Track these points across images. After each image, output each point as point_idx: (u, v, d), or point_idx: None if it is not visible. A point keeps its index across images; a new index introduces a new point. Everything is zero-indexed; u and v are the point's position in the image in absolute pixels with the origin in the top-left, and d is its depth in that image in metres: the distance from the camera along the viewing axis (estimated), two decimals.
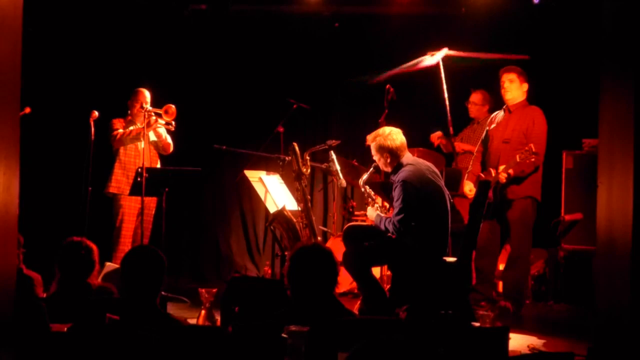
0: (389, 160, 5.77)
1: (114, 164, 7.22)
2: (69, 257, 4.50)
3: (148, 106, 7.06)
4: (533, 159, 6.19)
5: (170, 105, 7.04)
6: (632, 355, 2.66)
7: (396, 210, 5.59)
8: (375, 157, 5.85)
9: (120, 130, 7.18)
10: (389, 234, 5.66)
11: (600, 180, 2.88)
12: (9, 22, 2.56)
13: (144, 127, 6.94)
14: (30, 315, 3.43)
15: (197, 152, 8.63)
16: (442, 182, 5.83)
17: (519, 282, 6.58)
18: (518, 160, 6.19)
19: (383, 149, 5.77)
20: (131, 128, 7.18)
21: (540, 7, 8.15)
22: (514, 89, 6.63)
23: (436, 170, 5.87)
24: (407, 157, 5.79)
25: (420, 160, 5.88)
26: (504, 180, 6.35)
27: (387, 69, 7.65)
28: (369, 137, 5.88)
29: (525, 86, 6.66)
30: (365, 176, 6.10)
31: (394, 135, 5.78)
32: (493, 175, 6.40)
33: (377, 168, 6.00)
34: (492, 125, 6.74)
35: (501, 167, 6.37)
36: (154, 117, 7.03)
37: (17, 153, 2.62)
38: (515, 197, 6.49)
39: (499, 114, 6.74)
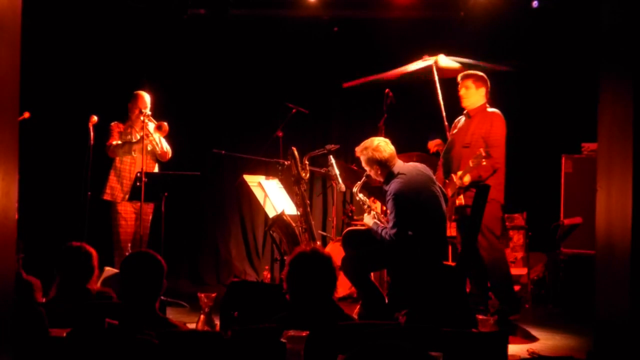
0: (379, 172, 5.75)
1: (110, 170, 7.21)
2: (68, 262, 4.50)
3: (147, 111, 7.06)
4: (484, 162, 6.14)
5: (164, 123, 7.04)
6: (631, 359, 2.66)
7: (390, 224, 5.59)
8: (366, 168, 5.83)
9: (114, 143, 7.15)
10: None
11: (599, 184, 2.87)
12: (8, 25, 2.56)
13: (140, 138, 6.95)
14: (29, 320, 3.43)
15: (196, 157, 8.63)
16: (436, 187, 5.79)
17: (504, 283, 6.50)
18: (471, 165, 6.15)
19: (372, 162, 5.74)
20: (121, 141, 7.15)
21: (539, 12, 8.15)
22: (470, 95, 6.57)
23: (429, 173, 5.84)
24: (399, 165, 5.76)
25: (411, 167, 5.83)
26: (464, 185, 6.27)
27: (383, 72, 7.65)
28: (358, 149, 5.85)
29: (483, 90, 6.56)
30: (358, 185, 6.07)
31: (381, 147, 5.74)
32: (454, 180, 6.34)
33: (369, 177, 5.98)
34: (454, 131, 6.70)
35: (459, 173, 6.30)
36: (150, 127, 7.01)
37: (16, 158, 2.61)
38: None
39: (461, 120, 6.71)
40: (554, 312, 7.29)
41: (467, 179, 6.16)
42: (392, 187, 5.63)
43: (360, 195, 6.07)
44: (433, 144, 7.64)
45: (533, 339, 5.84)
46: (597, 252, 2.93)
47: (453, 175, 6.41)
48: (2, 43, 2.53)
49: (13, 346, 2.64)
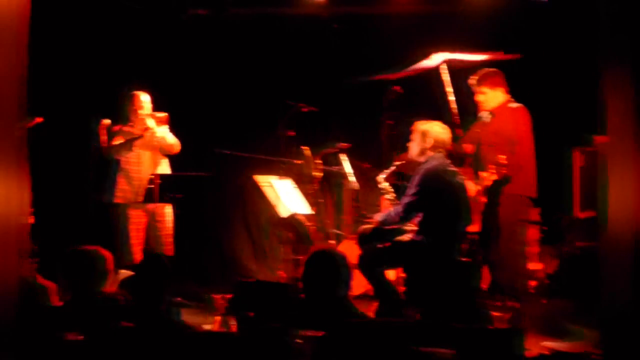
0: (429, 147, 5.74)
1: (117, 173, 7.08)
2: (83, 266, 4.51)
3: (145, 111, 7.02)
4: (504, 171, 6.07)
5: (160, 114, 6.95)
6: (636, 351, 2.65)
7: (405, 195, 5.60)
8: (417, 140, 5.78)
9: (116, 143, 7.07)
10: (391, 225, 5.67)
11: (609, 177, 2.86)
12: (16, 29, 2.58)
13: (140, 135, 6.94)
14: (43, 323, 3.45)
15: (200, 156, 8.61)
16: (465, 198, 5.75)
17: (512, 279, 6.45)
18: (494, 171, 6.06)
19: (431, 135, 5.72)
20: (119, 141, 7.11)
21: (542, 4, 8.08)
22: (489, 99, 6.50)
23: (463, 182, 5.83)
24: (442, 156, 5.76)
25: (453, 167, 5.83)
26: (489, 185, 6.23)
27: (387, 70, 7.63)
28: (421, 122, 5.83)
29: (500, 89, 6.51)
30: (386, 172, 6.09)
31: (445, 130, 5.79)
32: (481, 180, 6.27)
33: (398, 167, 5.98)
34: (478, 129, 6.64)
35: (485, 174, 6.22)
36: (151, 123, 6.96)
37: (27, 161, 2.63)
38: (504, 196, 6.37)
39: (484, 116, 6.62)
40: (569, 306, 7.26)
41: (487, 182, 6.14)
42: (427, 164, 5.66)
43: (386, 184, 6.05)
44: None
45: (544, 334, 5.82)
46: (603, 245, 2.93)
47: (480, 173, 6.38)
48: (10, 47, 2.55)
49: (16, 348, 2.65)
